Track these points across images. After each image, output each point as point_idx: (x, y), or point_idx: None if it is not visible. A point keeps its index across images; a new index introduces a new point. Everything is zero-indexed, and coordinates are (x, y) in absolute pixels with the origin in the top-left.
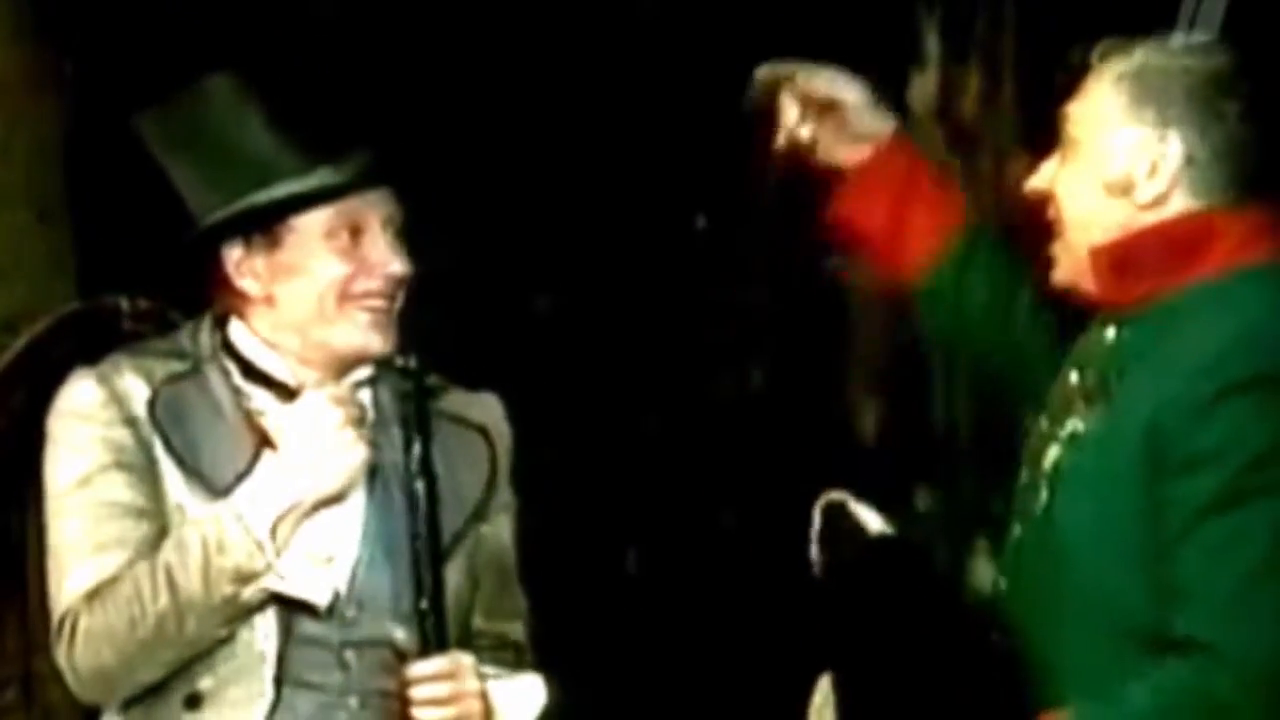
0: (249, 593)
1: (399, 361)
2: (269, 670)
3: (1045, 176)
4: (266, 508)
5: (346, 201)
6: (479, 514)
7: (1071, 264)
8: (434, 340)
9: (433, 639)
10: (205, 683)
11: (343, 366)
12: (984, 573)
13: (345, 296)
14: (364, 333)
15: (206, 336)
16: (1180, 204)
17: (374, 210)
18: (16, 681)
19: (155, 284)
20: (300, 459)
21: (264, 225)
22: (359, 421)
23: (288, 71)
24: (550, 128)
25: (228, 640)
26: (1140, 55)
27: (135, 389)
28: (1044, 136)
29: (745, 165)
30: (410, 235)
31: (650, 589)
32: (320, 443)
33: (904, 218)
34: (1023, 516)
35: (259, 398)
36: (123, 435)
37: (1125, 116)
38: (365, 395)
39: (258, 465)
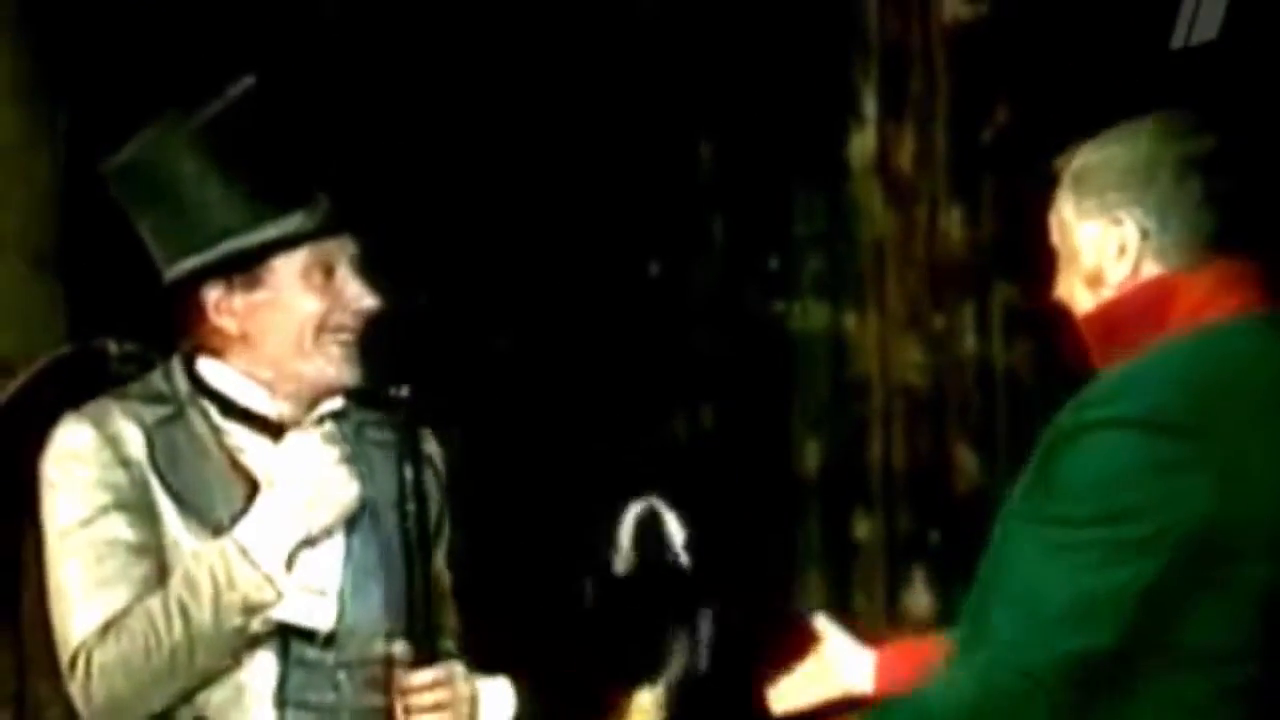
0: (256, 624)
1: (394, 392)
2: (269, 693)
3: (1057, 289)
4: (272, 542)
5: (319, 243)
6: (437, 537)
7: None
8: (404, 375)
9: (427, 650)
10: (210, 707)
11: (315, 398)
12: (920, 600)
13: (321, 330)
14: (337, 365)
15: (181, 378)
16: (1150, 273)
17: (343, 250)
18: (10, 701)
19: (141, 329)
20: (300, 496)
21: (246, 267)
22: (349, 458)
23: (251, 117)
24: (515, 183)
25: (233, 666)
26: (1079, 157)
27: (128, 431)
28: (976, 189)
29: (695, 218)
30: (380, 274)
31: (603, 615)
32: (317, 480)
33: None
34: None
35: (238, 434)
36: (119, 476)
37: (1079, 216)
38: (331, 430)
39: (255, 503)
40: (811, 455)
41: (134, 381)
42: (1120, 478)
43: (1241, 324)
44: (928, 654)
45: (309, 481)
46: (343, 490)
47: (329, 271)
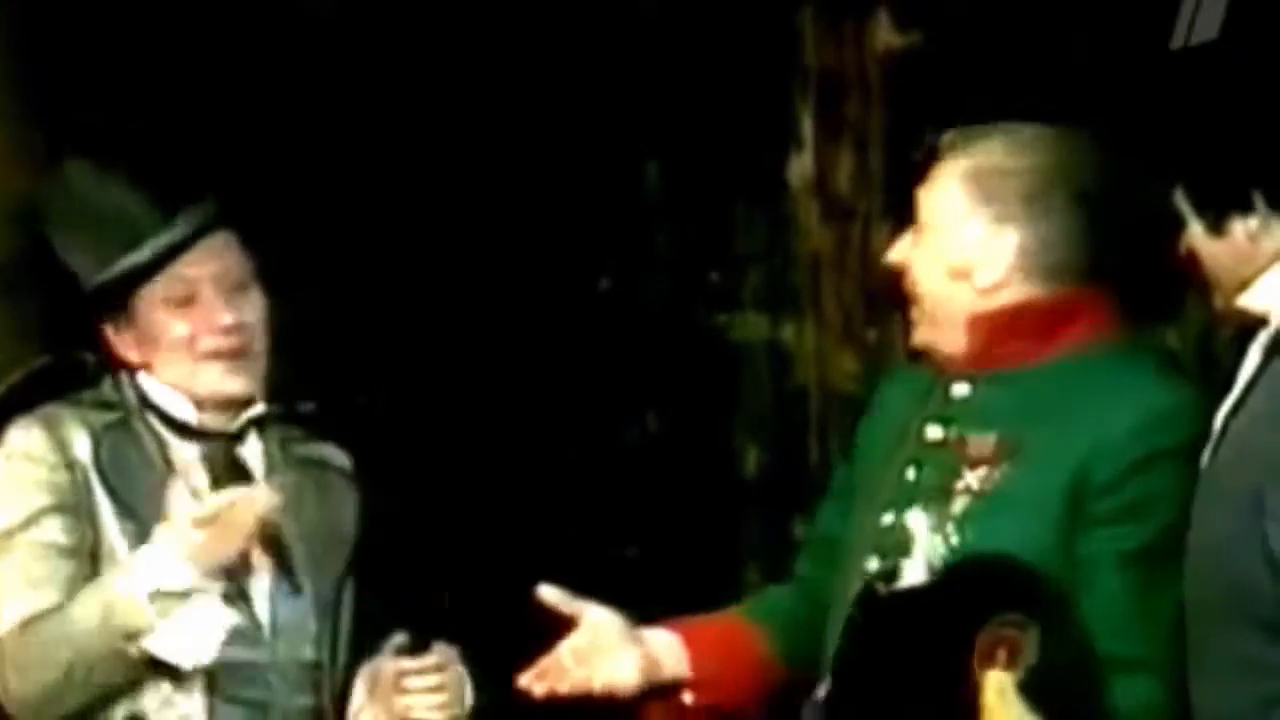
0: (137, 650)
1: (300, 408)
2: (201, 693)
3: (900, 252)
4: (158, 577)
5: (174, 268)
6: (358, 548)
7: (927, 328)
8: (355, 387)
9: (420, 636)
10: (146, 702)
11: (227, 408)
12: None
13: (195, 353)
14: (220, 379)
15: (129, 389)
16: (1017, 289)
17: (202, 269)
18: None
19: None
20: (193, 538)
21: (117, 302)
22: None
23: (136, 145)
24: (473, 201)
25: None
26: (982, 154)
27: (76, 435)
28: (909, 209)
29: (643, 235)
30: (335, 287)
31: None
32: (217, 526)
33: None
34: (882, 556)
35: (180, 448)
36: (64, 479)
37: (967, 212)
38: (254, 441)
39: (153, 534)
40: (753, 459)
41: (86, 391)
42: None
43: (1139, 344)
44: (729, 633)
45: (207, 528)
46: (233, 542)
47: (191, 294)
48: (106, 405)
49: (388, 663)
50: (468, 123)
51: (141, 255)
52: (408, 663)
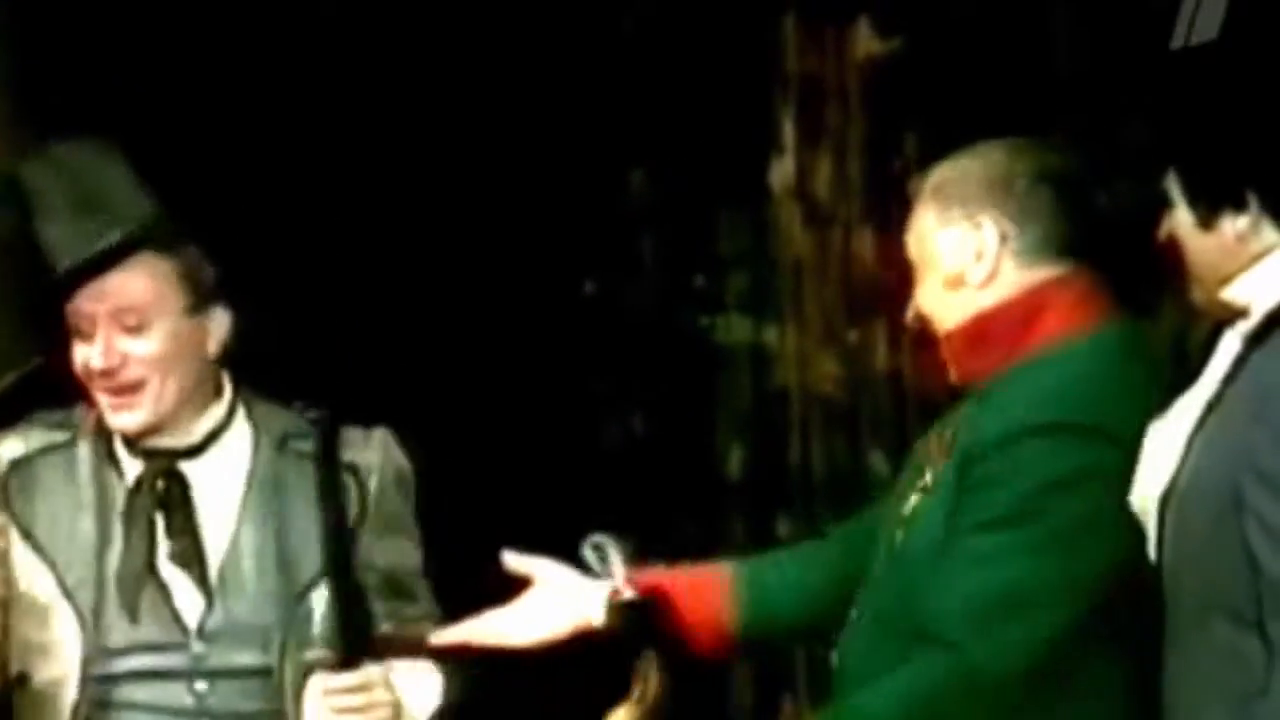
0: None
1: (309, 415)
2: (65, 716)
3: (913, 307)
4: None
5: (76, 301)
6: (355, 542)
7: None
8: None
9: (350, 654)
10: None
11: (147, 434)
12: None
13: (92, 384)
14: (111, 415)
15: (95, 412)
16: (1011, 275)
17: (98, 303)
18: None
19: None
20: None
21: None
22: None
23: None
24: (465, 209)
25: (37, 682)
26: (940, 171)
27: (8, 451)
28: (888, 215)
29: (628, 240)
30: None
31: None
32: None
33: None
34: (877, 558)
35: (129, 463)
36: None
37: (940, 224)
38: (242, 446)
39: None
40: (736, 459)
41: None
42: (1049, 480)
43: (1108, 333)
44: (698, 585)
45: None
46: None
47: (89, 327)
48: (61, 425)
49: (317, 678)
50: (457, 132)
51: (54, 278)
52: (331, 680)
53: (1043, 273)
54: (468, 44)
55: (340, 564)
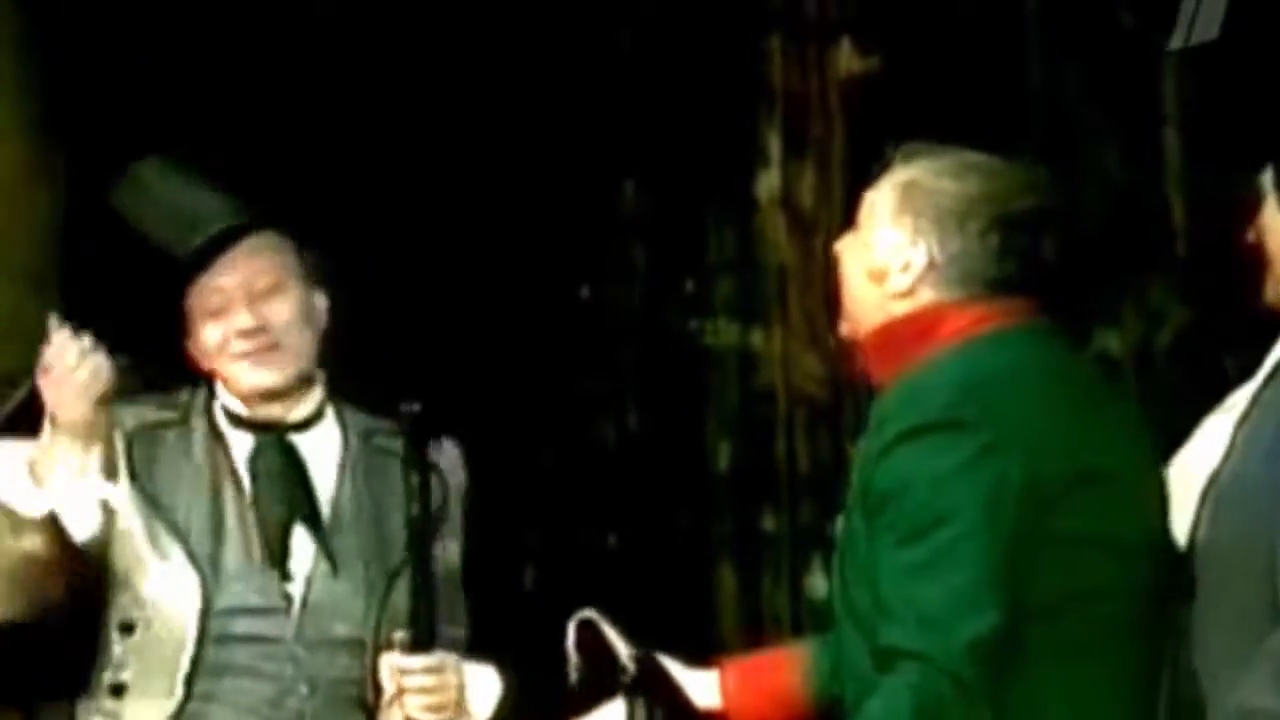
0: (29, 543)
1: (403, 408)
2: (182, 670)
3: (842, 243)
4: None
5: (206, 278)
6: (440, 537)
7: (848, 322)
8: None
9: (424, 638)
10: (127, 674)
11: (272, 400)
12: (819, 586)
13: (226, 355)
14: (247, 374)
15: (201, 393)
16: (925, 297)
17: (229, 276)
18: None
19: (131, 345)
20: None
21: (178, 310)
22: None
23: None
24: (462, 216)
25: (147, 634)
26: (920, 169)
27: (130, 420)
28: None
29: (620, 247)
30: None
31: (545, 602)
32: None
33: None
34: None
35: (237, 440)
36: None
37: (890, 219)
38: (335, 433)
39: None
40: (723, 456)
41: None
42: (936, 480)
43: (1002, 334)
44: (770, 670)
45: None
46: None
47: (222, 301)
48: (171, 405)
49: (391, 657)
50: (458, 144)
51: (191, 254)
52: (403, 660)
53: (958, 295)
54: (468, 60)
55: (424, 554)
